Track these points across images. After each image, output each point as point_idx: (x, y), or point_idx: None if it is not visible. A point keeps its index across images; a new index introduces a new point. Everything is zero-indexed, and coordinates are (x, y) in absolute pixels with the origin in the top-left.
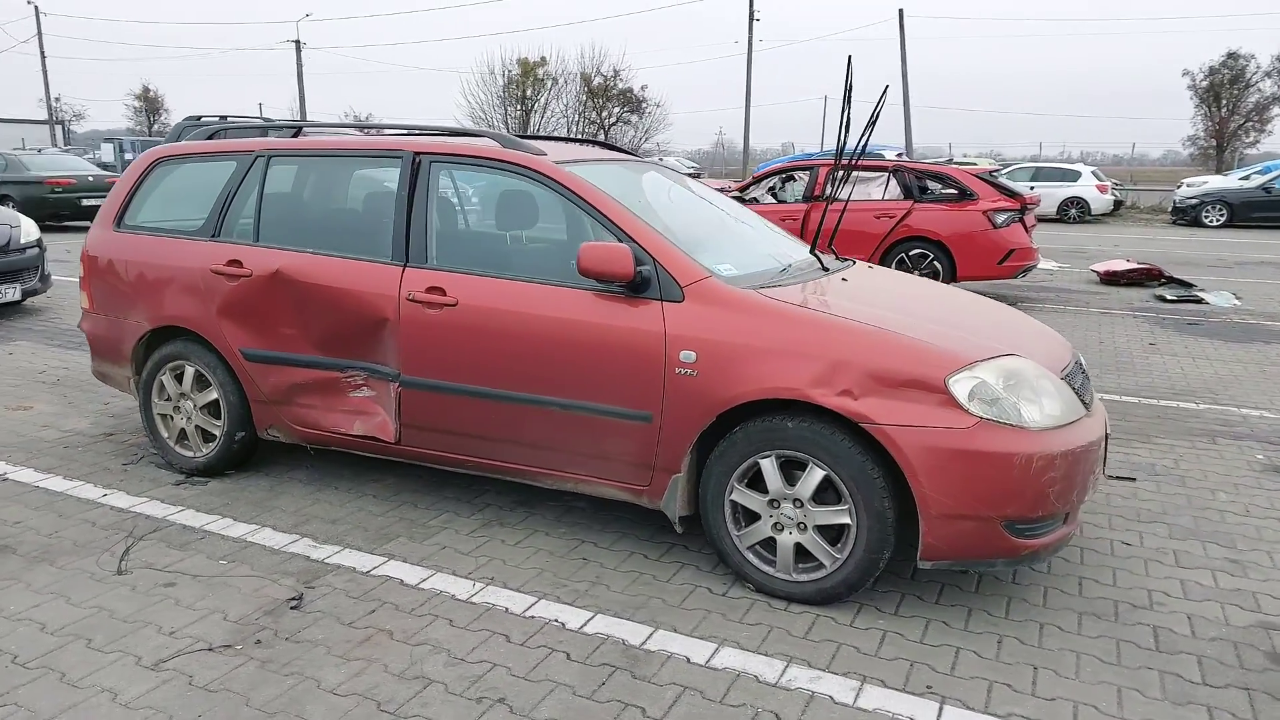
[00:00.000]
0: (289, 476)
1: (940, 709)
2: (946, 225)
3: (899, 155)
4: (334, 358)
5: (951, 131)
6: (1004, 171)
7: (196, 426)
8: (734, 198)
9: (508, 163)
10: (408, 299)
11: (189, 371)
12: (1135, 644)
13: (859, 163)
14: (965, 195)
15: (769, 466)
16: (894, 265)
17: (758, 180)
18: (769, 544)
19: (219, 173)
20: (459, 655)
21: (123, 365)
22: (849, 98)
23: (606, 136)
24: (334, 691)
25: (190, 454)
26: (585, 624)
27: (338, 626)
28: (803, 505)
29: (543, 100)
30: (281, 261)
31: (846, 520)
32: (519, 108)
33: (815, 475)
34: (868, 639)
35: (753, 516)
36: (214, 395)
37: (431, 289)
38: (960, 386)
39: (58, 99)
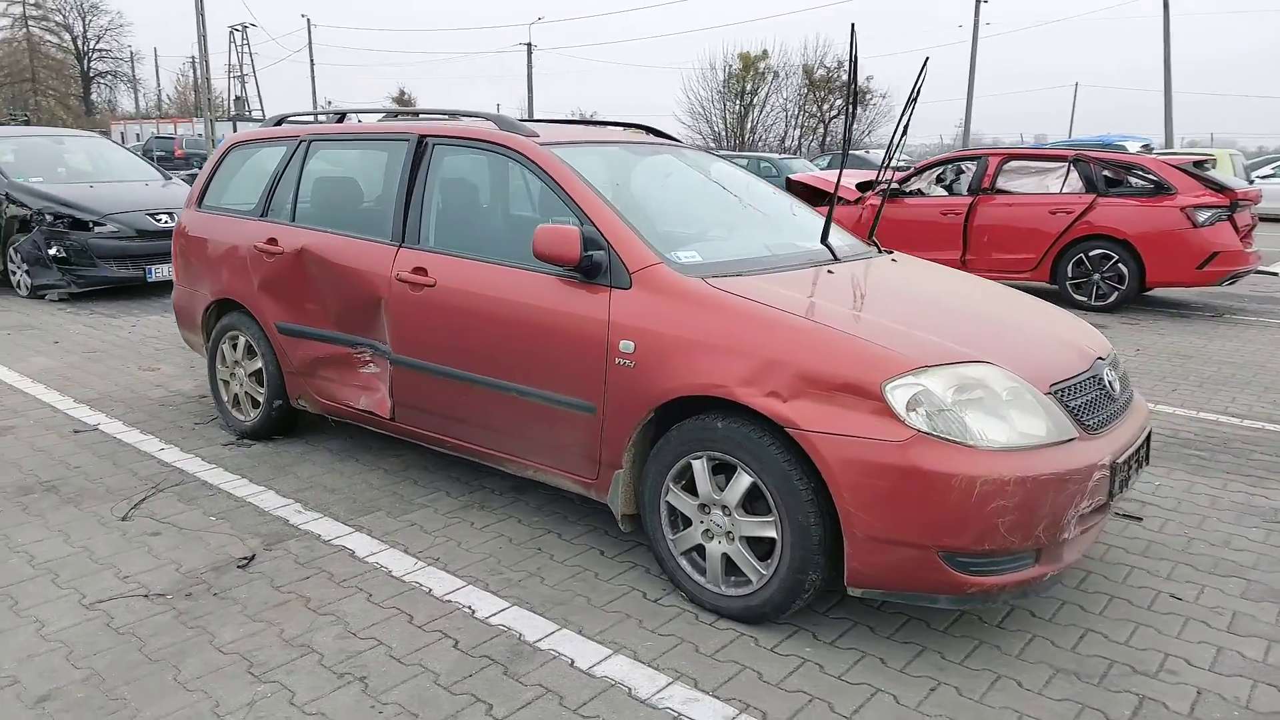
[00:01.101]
0: (323, 446)
1: None
2: (1134, 223)
3: (1144, 147)
4: (346, 334)
5: (1237, 121)
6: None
7: (246, 392)
8: (887, 190)
9: (496, 144)
10: (396, 279)
11: (241, 341)
12: (1104, 714)
13: (1038, 152)
14: (1161, 189)
15: (700, 468)
16: (1070, 267)
17: (919, 171)
18: (701, 551)
19: (275, 157)
20: (354, 629)
21: (197, 333)
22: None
23: (826, 130)
24: (220, 649)
25: (242, 418)
26: (495, 614)
27: (266, 588)
28: (730, 513)
29: (762, 94)
30: (306, 240)
31: (773, 534)
32: (738, 102)
33: (743, 481)
34: (779, 666)
35: (687, 521)
36: (259, 364)
37: (416, 269)
38: (898, 394)
39: (329, 102)
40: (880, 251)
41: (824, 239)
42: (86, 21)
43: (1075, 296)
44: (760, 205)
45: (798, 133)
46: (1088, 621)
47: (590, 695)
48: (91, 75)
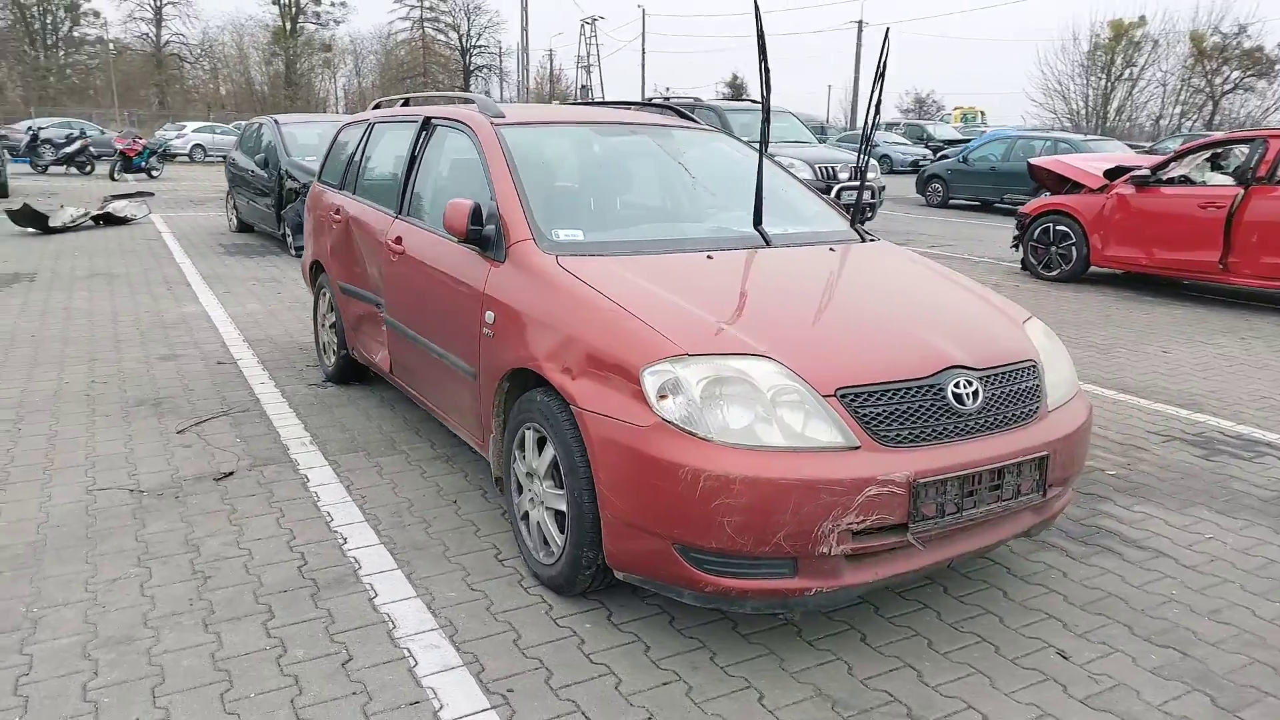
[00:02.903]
0: (378, 394)
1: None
2: None
3: None
4: (372, 294)
5: None
6: None
7: (327, 342)
8: (1139, 179)
9: (461, 122)
10: (388, 245)
11: (326, 296)
12: None
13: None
14: None
15: (529, 439)
16: None
17: (1179, 156)
18: (529, 517)
19: (356, 138)
20: (242, 540)
21: (310, 289)
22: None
23: (1215, 107)
24: (138, 538)
25: (328, 363)
26: (358, 548)
27: (215, 499)
28: (540, 482)
29: (1139, 65)
30: (354, 210)
31: (563, 506)
32: (1103, 77)
33: (548, 453)
34: (544, 633)
35: (522, 488)
36: (335, 317)
37: (397, 238)
38: (651, 380)
39: (668, 89)
40: (864, 239)
41: (756, 224)
42: (470, 20)
43: None
44: (720, 189)
45: (1178, 110)
46: (919, 657)
47: (357, 625)
48: (471, 69)
